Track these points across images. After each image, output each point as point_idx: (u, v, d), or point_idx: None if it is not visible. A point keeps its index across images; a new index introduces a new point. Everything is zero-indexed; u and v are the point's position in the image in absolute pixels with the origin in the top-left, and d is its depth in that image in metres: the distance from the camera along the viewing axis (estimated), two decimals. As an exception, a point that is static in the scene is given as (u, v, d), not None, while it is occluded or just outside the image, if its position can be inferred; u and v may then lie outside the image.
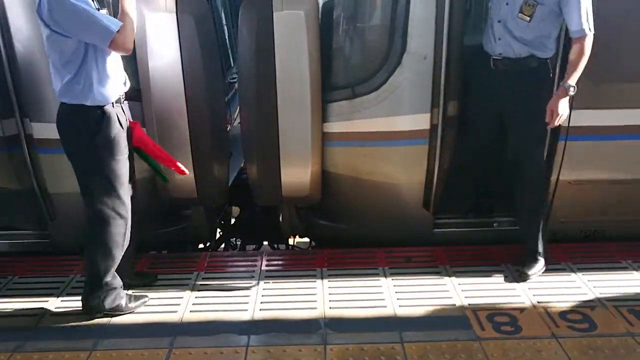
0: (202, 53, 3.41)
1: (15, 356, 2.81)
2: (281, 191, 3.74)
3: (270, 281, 3.55)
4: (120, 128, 2.92)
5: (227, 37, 5.40)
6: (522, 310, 3.16)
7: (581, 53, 3.09)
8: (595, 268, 3.61)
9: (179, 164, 3.25)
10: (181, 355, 2.80)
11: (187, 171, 3.32)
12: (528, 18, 3.14)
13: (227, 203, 4.75)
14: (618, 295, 3.30)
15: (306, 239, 4.97)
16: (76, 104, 2.81)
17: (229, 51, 5.34)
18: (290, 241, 5.05)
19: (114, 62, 2.88)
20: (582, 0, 3.02)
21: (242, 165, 4.78)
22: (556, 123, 3.19)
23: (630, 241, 3.91)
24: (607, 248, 3.88)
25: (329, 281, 3.53)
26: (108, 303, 3.07)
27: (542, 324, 3.03)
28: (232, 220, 5.27)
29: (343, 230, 4.08)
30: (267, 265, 3.77)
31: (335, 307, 3.22)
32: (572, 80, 3.11)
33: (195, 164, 3.61)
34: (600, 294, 3.31)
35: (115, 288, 3.09)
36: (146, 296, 3.29)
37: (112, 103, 2.89)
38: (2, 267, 3.72)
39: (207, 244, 4.73)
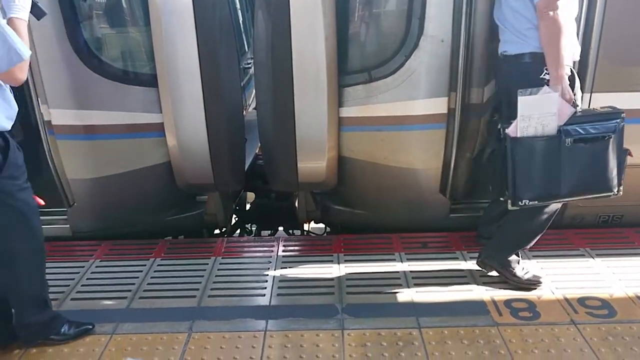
0: (218, 38, 3.39)
1: (38, 340, 2.87)
2: (297, 177, 3.73)
3: (287, 267, 3.56)
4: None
5: (241, 22, 5.37)
6: (540, 296, 3.14)
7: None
8: (614, 254, 3.57)
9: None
10: (200, 339, 2.83)
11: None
12: None
13: (243, 189, 4.76)
14: (637, 281, 3.26)
15: (321, 225, 4.99)
16: None
17: (243, 36, 5.31)
18: (305, 227, 5.07)
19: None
20: None
21: (257, 151, 4.79)
22: None
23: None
24: (626, 234, 3.84)
25: (345, 267, 3.53)
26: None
27: (561, 310, 3.01)
28: (247, 206, 5.29)
29: (359, 216, 4.08)
30: (283, 251, 3.79)
31: (352, 293, 3.23)
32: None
33: (212, 149, 3.61)
34: (619, 280, 3.28)
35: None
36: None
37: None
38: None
39: (223, 230, 4.76)
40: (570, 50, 2.91)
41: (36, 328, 2.76)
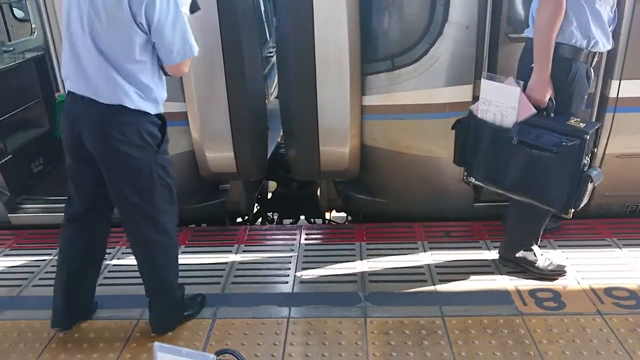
0: (240, 26, 3.39)
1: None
2: (319, 165, 3.74)
3: (310, 255, 3.58)
4: None
5: (263, 11, 5.36)
6: (565, 286, 3.10)
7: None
8: (642, 244, 3.52)
9: None
10: (224, 325, 2.87)
11: None
12: None
13: (265, 177, 4.79)
14: (666, 272, 3.21)
15: (342, 214, 4.99)
16: (142, 110, 2.44)
17: (265, 25, 5.30)
18: (327, 215, 5.08)
19: None
20: None
21: (279, 139, 4.80)
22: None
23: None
24: (655, 224, 3.77)
25: (367, 255, 3.53)
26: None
27: (587, 300, 2.97)
28: (269, 195, 5.31)
29: (381, 205, 4.06)
30: (306, 239, 3.80)
31: (375, 281, 3.24)
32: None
33: (235, 138, 3.63)
34: (647, 270, 3.23)
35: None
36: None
37: None
38: (48, 238, 3.84)
39: (245, 218, 4.79)
40: (598, 40, 2.78)
41: (180, 303, 2.87)
